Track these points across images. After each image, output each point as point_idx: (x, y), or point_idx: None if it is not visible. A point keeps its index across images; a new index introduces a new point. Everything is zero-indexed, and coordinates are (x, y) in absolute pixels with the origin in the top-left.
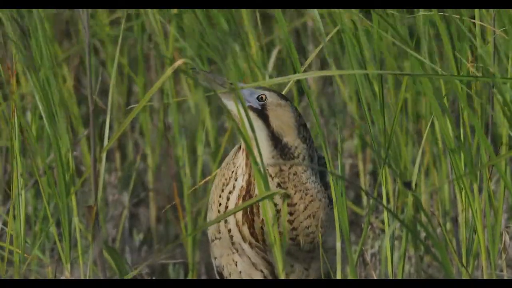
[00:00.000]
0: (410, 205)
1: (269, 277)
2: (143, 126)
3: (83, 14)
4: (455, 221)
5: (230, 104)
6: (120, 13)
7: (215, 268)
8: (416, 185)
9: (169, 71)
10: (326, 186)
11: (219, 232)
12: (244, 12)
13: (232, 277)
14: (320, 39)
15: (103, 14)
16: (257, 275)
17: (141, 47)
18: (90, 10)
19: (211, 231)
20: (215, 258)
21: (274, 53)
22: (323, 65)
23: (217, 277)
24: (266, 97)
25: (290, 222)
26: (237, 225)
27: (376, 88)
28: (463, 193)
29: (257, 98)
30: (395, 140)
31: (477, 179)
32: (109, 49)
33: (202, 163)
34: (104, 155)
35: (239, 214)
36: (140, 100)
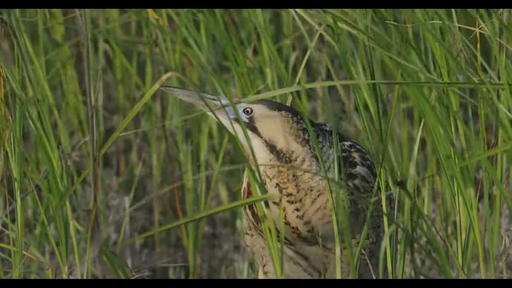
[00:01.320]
0: (407, 209)
1: (309, 270)
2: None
3: (80, 14)
4: (455, 224)
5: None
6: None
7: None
8: (417, 190)
9: (156, 85)
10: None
11: (250, 229)
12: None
13: (266, 268)
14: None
15: (115, 20)
16: (297, 269)
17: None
18: (100, 13)
19: (244, 225)
20: (248, 246)
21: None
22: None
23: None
24: (252, 111)
25: (300, 217)
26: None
27: (367, 97)
28: (456, 198)
29: (244, 111)
30: (395, 145)
31: (471, 181)
32: (117, 53)
33: (204, 167)
34: (93, 159)
35: (251, 216)
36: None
